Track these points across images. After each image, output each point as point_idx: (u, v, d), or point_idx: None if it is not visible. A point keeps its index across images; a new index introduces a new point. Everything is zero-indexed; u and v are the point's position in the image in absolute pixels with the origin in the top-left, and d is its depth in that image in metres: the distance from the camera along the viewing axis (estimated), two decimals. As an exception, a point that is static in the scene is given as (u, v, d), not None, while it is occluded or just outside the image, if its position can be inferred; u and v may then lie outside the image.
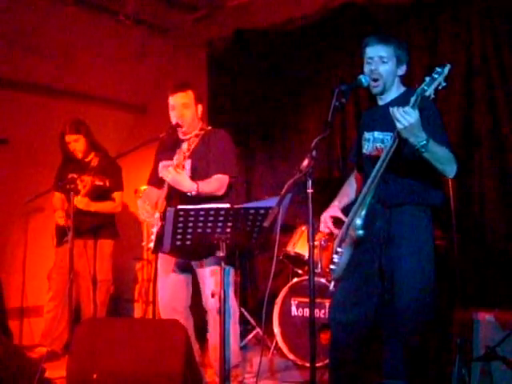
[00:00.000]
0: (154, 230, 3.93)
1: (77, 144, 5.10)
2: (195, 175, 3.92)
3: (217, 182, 3.95)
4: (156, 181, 4.16)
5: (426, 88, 2.87)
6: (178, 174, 3.76)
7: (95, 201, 5.02)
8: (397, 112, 2.88)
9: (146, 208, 3.98)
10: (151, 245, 3.91)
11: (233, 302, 4.03)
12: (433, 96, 2.88)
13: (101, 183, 4.82)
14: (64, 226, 5.03)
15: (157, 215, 3.90)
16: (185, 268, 4.06)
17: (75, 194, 4.64)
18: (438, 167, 3.03)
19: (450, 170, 3.07)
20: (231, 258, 3.91)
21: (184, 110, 4.03)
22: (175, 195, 3.90)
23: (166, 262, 4.08)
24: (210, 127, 4.18)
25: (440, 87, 2.88)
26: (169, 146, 4.15)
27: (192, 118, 4.07)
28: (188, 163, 3.95)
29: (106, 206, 5.17)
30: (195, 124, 4.10)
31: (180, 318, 3.87)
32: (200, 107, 4.13)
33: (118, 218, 5.43)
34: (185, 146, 4.03)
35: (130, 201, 6.11)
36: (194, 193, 3.78)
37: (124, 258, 6.35)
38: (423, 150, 2.92)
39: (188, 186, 3.79)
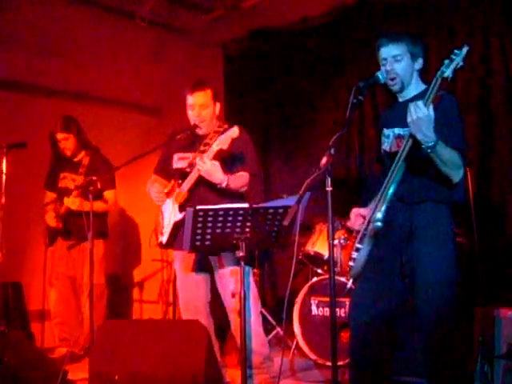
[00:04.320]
0: (166, 222, 3.95)
1: (66, 142, 5.07)
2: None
3: (242, 179, 3.98)
4: (163, 172, 4.22)
5: (444, 70, 2.94)
6: (213, 164, 3.77)
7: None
8: (411, 104, 2.92)
9: (158, 188, 4.01)
10: (163, 238, 3.93)
11: (254, 301, 4.03)
12: (451, 76, 2.94)
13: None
14: (55, 228, 5.04)
15: (175, 206, 3.91)
16: (204, 267, 4.06)
17: (68, 194, 4.64)
18: (443, 169, 3.02)
19: (454, 174, 3.07)
20: (250, 258, 3.92)
21: (202, 110, 4.04)
22: (200, 187, 3.92)
23: (184, 261, 4.09)
24: (226, 125, 4.17)
25: (458, 67, 2.95)
26: (184, 141, 4.14)
27: (211, 117, 4.08)
28: (210, 157, 3.96)
29: (97, 206, 4.94)
30: (213, 122, 4.12)
31: (202, 317, 3.89)
32: (218, 105, 4.14)
33: (136, 219, 5.43)
34: (206, 140, 4.03)
35: (149, 202, 6.12)
36: (224, 185, 3.80)
37: (143, 259, 6.38)
38: (429, 151, 2.93)
39: (220, 177, 3.81)
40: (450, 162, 3.01)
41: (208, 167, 3.78)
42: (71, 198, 4.79)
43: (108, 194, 5.17)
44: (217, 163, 3.80)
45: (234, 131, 3.76)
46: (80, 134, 5.12)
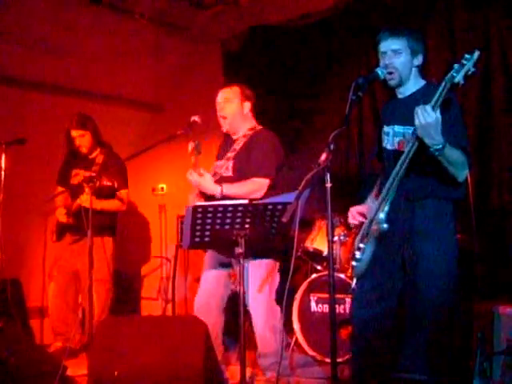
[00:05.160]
0: None
1: (82, 139, 5.04)
2: (238, 177, 3.93)
3: (251, 185, 3.89)
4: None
5: (455, 75, 2.90)
6: (200, 177, 3.77)
7: (100, 199, 4.87)
8: (419, 108, 2.89)
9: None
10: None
11: (270, 301, 4.02)
12: (462, 82, 2.90)
13: (109, 184, 4.74)
14: (65, 223, 5.03)
15: None
16: (227, 263, 4.04)
17: (82, 192, 4.63)
18: (450, 170, 3.03)
19: (460, 174, 3.09)
20: (272, 252, 3.93)
21: (225, 104, 4.04)
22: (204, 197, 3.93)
23: (211, 257, 4.10)
24: (260, 127, 4.15)
25: (470, 73, 2.90)
26: (223, 147, 4.17)
27: (233, 113, 4.05)
28: (231, 164, 3.97)
29: (111, 205, 5.05)
30: (239, 121, 4.09)
31: (212, 315, 3.89)
32: (247, 104, 4.10)
33: (136, 215, 5.42)
34: (234, 145, 4.04)
35: (149, 199, 6.13)
36: (218, 196, 3.77)
37: (143, 255, 6.39)
38: (437, 154, 2.93)
39: (211, 189, 3.81)
40: (457, 162, 3.02)
41: (194, 181, 3.82)
42: (85, 196, 4.76)
43: (122, 193, 5.14)
44: (207, 175, 3.82)
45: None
46: (96, 132, 5.10)
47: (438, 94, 2.91)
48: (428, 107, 2.87)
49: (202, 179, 3.82)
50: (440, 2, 5.14)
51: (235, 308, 4.24)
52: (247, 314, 4.01)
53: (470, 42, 4.90)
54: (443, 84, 2.91)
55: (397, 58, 3.20)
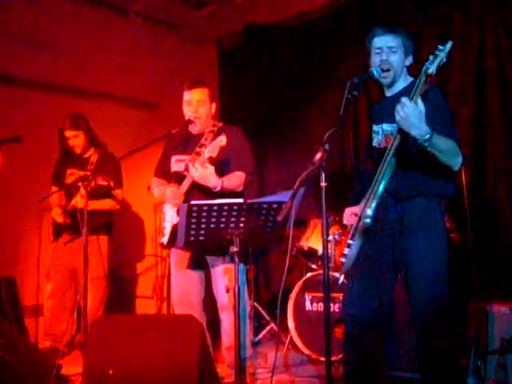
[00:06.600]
0: (167, 224, 3.95)
1: (76, 140, 5.07)
2: (217, 170, 3.93)
3: (237, 179, 4.00)
4: (163, 173, 4.22)
5: (429, 66, 2.93)
6: (205, 169, 3.78)
7: (95, 199, 4.88)
8: (398, 105, 2.91)
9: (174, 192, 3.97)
10: (164, 239, 3.93)
11: (245, 299, 4.05)
12: (435, 72, 2.93)
13: (105, 183, 4.77)
14: (62, 223, 5.03)
15: (174, 210, 3.90)
16: (198, 265, 4.06)
17: (77, 191, 4.62)
18: (442, 160, 3.01)
19: (454, 162, 3.06)
20: (244, 255, 3.93)
21: (199, 106, 4.06)
22: (195, 191, 3.91)
23: (179, 257, 4.09)
24: (221, 123, 4.19)
25: (441, 63, 2.93)
26: (180, 141, 4.17)
27: (206, 115, 4.10)
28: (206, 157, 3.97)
29: (106, 204, 5.10)
30: (208, 121, 4.14)
31: (194, 313, 3.88)
32: (214, 105, 4.17)
33: (131, 214, 5.42)
34: (201, 141, 4.04)
35: (144, 198, 6.11)
36: (218, 188, 3.80)
37: (138, 254, 6.38)
38: (426, 144, 2.92)
39: (214, 181, 3.82)
40: (448, 150, 3.00)
41: (199, 173, 3.80)
42: (79, 198, 4.75)
43: (117, 193, 5.17)
44: (210, 167, 3.81)
45: (221, 140, 3.76)
46: (89, 131, 5.13)
47: (415, 86, 2.94)
48: (405, 99, 2.89)
49: (207, 171, 3.81)
50: (436, 5, 5.16)
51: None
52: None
53: (465, 38, 4.93)
54: (419, 76, 2.95)
55: (392, 55, 3.21)
